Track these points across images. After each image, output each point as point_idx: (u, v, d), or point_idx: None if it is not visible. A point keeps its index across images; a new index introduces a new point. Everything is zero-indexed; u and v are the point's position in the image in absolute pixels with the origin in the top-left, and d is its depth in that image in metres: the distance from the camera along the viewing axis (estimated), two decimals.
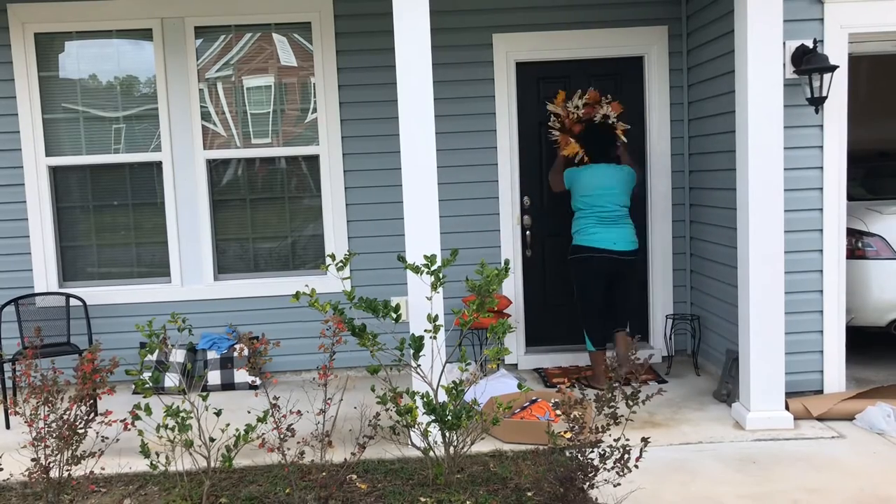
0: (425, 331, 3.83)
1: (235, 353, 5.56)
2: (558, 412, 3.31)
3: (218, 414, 3.76)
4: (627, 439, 3.37)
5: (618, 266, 5.15)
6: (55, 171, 5.75)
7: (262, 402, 5.06)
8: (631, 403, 3.23)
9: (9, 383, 5.13)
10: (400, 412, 3.65)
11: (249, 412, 4.88)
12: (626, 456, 3.23)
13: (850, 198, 5.27)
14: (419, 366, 3.79)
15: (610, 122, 5.71)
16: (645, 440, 3.33)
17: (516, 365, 5.95)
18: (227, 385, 5.58)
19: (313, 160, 5.81)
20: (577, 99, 5.74)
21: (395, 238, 5.65)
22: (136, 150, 5.76)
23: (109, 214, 5.85)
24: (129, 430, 3.42)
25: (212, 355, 5.60)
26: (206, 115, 5.76)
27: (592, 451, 3.28)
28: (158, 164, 5.77)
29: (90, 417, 3.47)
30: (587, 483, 3.26)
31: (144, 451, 3.42)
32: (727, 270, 5.17)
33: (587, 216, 5.19)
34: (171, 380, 5.49)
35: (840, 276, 4.71)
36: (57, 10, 5.58)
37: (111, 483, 3.93)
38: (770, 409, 4.42)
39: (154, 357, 5.48)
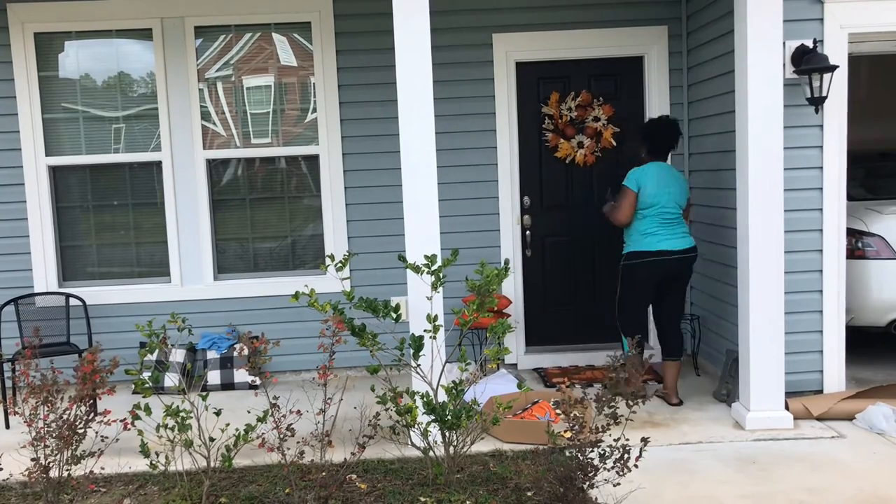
0: (425, 331, 3.82)
1: (235, 353, 5.56)
2: (558, 412, 3.31)
3: (218, 414, 3.77)
4: (627, 439, 3.37)
5: (679, 266, 4.82)
6: (55, 171, 5.75)
7: (262, 402, 5.06)
8: (631, 403, 3.23)
9: (8, 383, 5.13)
10: (400, 412, 3.65)
11: (249, 412, 4.89)
12: (626, 456, 3.23)
13: (850, 198, 5.28)
14: (419, 366, 3.79)
15: (602, 123, 5.84)
16: (645, 440, 3.33)
17: (516, 365, 5.95)
18: (227, 385, 5.58)
19: (313, 160, 5.81)
20: (570, 101, 5.84)
21: (395, 238, 5.66)
22: (135, 150, 5.76)
23: (109, 214, 5.85)
24: (129, 429, 3.42)
25: (211, 355, 5.60)
26: (205, 115, 5.76)
27: (592, 451, 3.28)
28: (158, 164, 5.77)
29: (90, 417, 3.47)
30: (587, 483, 3.26)
31: (144, 451, 3.42)
32: (727, 270, 5.17)
33: (650, 217, 4.78)
34: (171, 379, 5.49)
35: (840, 276, 4.70)
36: (57, 10, 5.58)
37: (111, 483, 3.93)
38: (770, 408, 4.41)
39: (154, 357, 5.47)
